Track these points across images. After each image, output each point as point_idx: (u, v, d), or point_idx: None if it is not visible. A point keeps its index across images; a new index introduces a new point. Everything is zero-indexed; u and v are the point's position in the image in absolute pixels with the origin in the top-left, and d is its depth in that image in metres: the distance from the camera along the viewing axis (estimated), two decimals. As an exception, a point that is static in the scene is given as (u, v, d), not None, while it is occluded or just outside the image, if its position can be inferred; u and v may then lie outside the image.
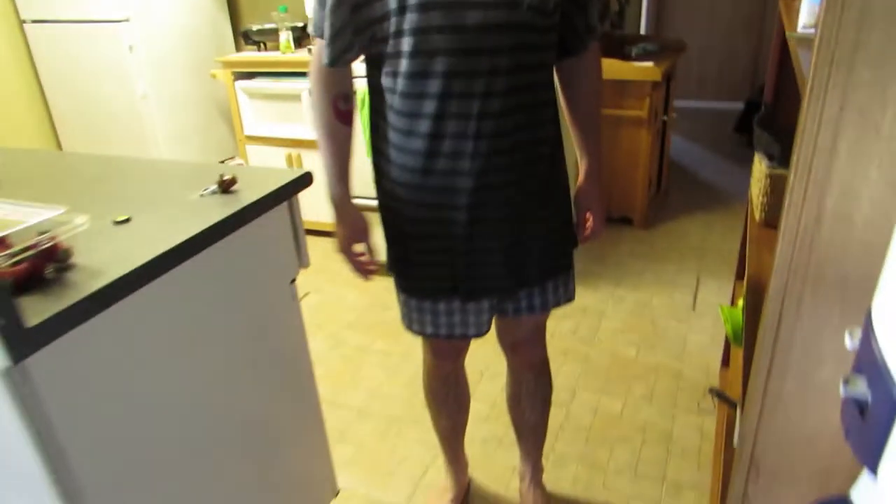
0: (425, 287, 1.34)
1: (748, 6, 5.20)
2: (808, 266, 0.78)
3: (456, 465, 1.80)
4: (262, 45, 3.30)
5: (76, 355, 0.92)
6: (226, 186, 1.23)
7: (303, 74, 3.07)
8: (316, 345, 2.55)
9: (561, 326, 2.57)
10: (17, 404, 0.85)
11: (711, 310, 2.67)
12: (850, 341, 0.69)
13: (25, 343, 0.82)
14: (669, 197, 3.84)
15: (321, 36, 1.20)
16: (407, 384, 2.31)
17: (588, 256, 3.14)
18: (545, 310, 1.41)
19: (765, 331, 0.83)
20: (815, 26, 1.10)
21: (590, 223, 1.41)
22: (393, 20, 1.13)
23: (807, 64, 0.90)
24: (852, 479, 0.90)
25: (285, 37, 3.14)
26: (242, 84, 3.19)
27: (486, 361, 2.36)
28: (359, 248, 1.37)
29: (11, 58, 3.27)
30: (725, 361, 2.19)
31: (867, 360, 0.62)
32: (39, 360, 0.86)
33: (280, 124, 3.20)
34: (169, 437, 1.12)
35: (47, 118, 3.46)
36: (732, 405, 1.62)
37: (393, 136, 1.23)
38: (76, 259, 0.99)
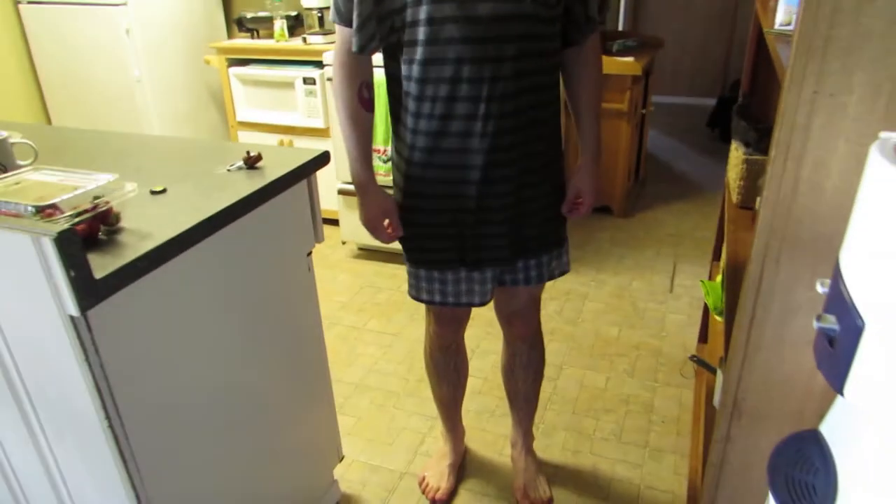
0: (434, 259, 1.45)
1: (721, 5, 5.38)
2: (785, 229, 0.90)
3: (454, 433, 1.91)
4: (255, 32, 3.36)
5: (125, 309, 1.00)
6: (252, 163, 1.32)
7: (296, 62, 3.15)
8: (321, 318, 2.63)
9: (547, 308, 2.69)
10: (79, 350, 0.94)
11: (688, 292, 2.82)
12: (822, 287, 0.81)
13: (93, 294, 0.90)
14: (647, 187, 3.99)
15: (346, 24, 1.29)
16: (401, 361, 2.41)
17: (571, 243, 3.25)
18: (541, 281, 1.53)
19: (748, 285, 0.96)
20: (791, 23, 1.23)
21: (580, 202, 1.49)
22: (409, 10, 1.23)
23: (785, 56, 1.03)
24: (820, 417, 1.04)
25: (279, 25, 3.20)
26: (236, 70, 3.25)
27: (476, 340, 2.47)
28: (386, 222, 1.43)
29: (4, 37, 3.28)
30: (703, 338, 2.34)
31: (836, 299, 0.75)
32: (98, 312, 0.95)
33: (272, 111, 3.27)
34: (198, 393, 1.21)
35: (38, 97, 3.48)
36: (712, 370, 1.76)
37: (409, 119, 1.33)
38: (123, 223, 1.07)
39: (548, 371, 2.29)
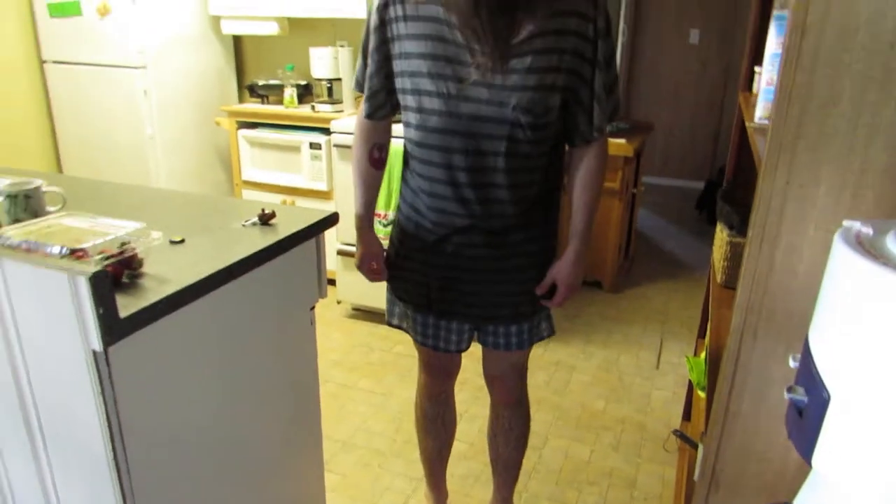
0: (408, 297, 1.58)
1: (709, 92, 5.67)
2: (761, 306, 0.98)
3: (437, 493, 1.92)
4: (265, 98, 3.52)
5: (142, 348, 1.06)
6: (266, 219, 1.40)
7: (303, 128, 3.29)
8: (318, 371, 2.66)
9: (535, 377, 2.74)
10: (96, 384, 0.99)
11: (674, 369, 2.87)
12: (793, 362, 0.89)
13: (116, 332, 0.96)
14: (636, 264, 4.10)
15: (361, 91, 1.46)
16: (390, 421, 2.43)
17: (561, 315, 3.34)
18: (520, 349, 1.59)
19: (727, 358, 1.03)
20: (768, 118, 1.35)
21: (556, 294, 1.51)
22: (406, 96, 1.39)
23: (762, 148, 1.13)
24: (794, 492, 1.09)
25: (290, 93, 3.36)
26: (245, 132, 3.38)
27: (465, 404, 2.50)
28: (373, 265, 1.61)
29: (28, 93, 3.44)
30: (686, 415, 2.38)
31: (805, 373, 0.82)
32: (117, 349, 1.00)
33: (277, 172, 3.39)
34: (197, 435, 1.24)
35: (53, 149, 3.60)
36: (694, 446, 1.80)
37: (408, 175, 1.49)
38: (145, 269, 1.14)
39: (533, 440, 2.32)
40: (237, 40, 3.85)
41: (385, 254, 1.62)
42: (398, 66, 1.37)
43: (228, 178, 3.86)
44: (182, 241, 1.29)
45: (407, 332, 1.64)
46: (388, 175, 2.83)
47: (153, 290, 1.07)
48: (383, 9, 1.36)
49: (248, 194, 3.50)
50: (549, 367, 2.85)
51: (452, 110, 1.31)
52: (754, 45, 1.90)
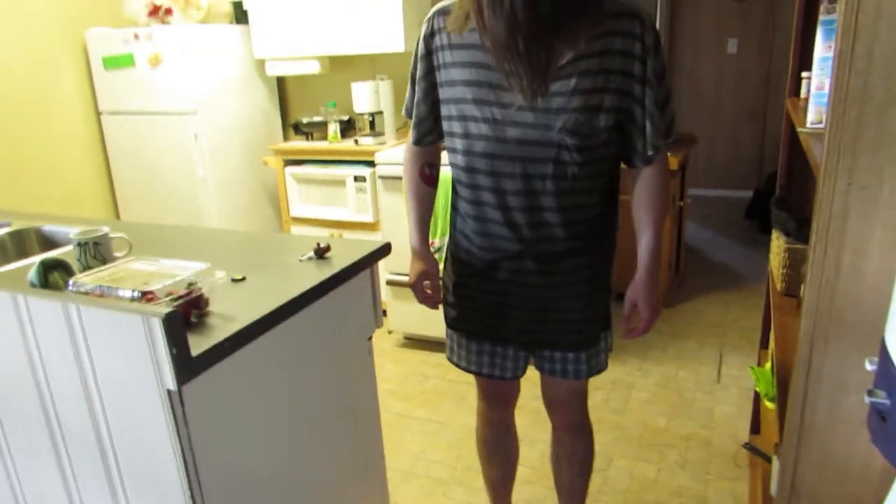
0: (463, 325, 1.56)
1: (750, 101, 5.57)
2: (830, 311, 0.96)
3: (504, 520, 1.90)
4: (309, 135, 3.61)
5: (212, 386, 1.09)
6: (321, 253, 1.44)
7: (348, 162, 3.36)
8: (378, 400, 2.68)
9: (594, 397, 2.69)
10: (171, 423, 1.02)
11: (736, 382, 2.79)
12: (870, 365, 0.86)
13: (189, 370, 1.00)
14: (687, 279, 4.02)
15: (409, 117, 1.50)
16: (448, 449, 2.43)
17: (614, 332, 3.29)
18: (577, 378, 1.56)
19: (798, 367, 1.00)
20: (822, 122, 1.32)
21: (638, 320, 1.51)
22: (451, 122, 1.41)
23: (818, 152, 1.12)
24: (881, 497, 1.05)
25: (333, 128, 3.44)
26: (291, 170, 3.47)
27: (524, 428, 2.47)
28: (427, 284, 1.62)
29: (86, 143, 3.63)
30: (755, 429, 2.31)
31: (885, 375, 0.80)
32: (190, 387, 1.03)
33: (324, 206, 3.46)
34: (266, 469, 1.27)
35: (110, 195, 3.77)
36: (767, 459, 1.74)
37: (457, 201, 1.50)
38: (210, 308, 1.18)
39: (597, 461, 2.27)
40: (280, 81, 3.98)
41: (440, 282, 1.63)
42: (444, 93, 1.40)
43: (277, 215, 3.95)
44: (243, 278, 1.33)
45: (462, 366, 1.61)
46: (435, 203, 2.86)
47: (220, 329, 1.11)
48: (430, 38, 1.39)
49: (297, 229, 3.58)
50: (606, 386, 2.80)
51: (499, 135, 1.33)
52: (799, 50, 1.87)
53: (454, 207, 1.53)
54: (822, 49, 1.31)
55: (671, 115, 1.36)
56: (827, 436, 1.01)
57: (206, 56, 3.39)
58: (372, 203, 3.29)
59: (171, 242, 1.66)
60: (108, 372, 1.07)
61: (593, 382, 2.74)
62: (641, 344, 3.18)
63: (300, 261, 1.44)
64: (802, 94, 1.76)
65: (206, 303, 1.16)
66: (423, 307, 1.67)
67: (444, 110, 1.42)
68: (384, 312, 3.27)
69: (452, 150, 1.45)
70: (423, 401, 2.77)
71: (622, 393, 2.75)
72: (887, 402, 0.78)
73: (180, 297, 1.11)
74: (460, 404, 2.70)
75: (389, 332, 3.34)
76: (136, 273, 1.19)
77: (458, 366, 1.61)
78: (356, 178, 3.29)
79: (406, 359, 3.14)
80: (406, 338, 3.33)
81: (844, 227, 0.92)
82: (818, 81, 1.31)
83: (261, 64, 3.65)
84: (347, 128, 3.55)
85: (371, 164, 3.22)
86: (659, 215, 1.45)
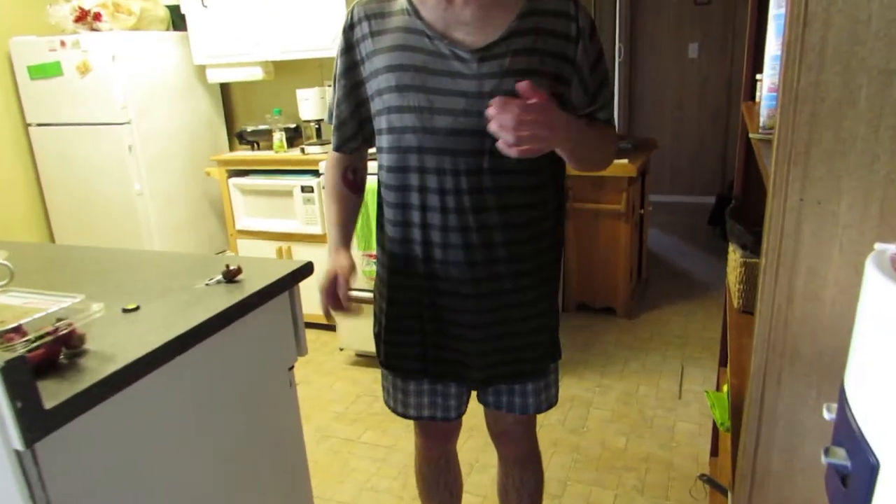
0: (399, 364, 1.40)
1: (712, 106, 5.55)
2: (784, 344, 0.84)
3: (449, 558, 1.76)
4: (255, 144, 3.45)
5: (81, 440, 0.93)
6: (231, 276, 1.29)
7: (295, 172, 3.21)
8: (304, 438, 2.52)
9: (549, 417, 2.57)
10: (23, 488, 0.86)
11: (697, 398, 2.70)
12: (828, 413, 0.74)
13: (40, 426, 0.84)
14: (650, 287, 3.94)
15: (331, 122, 1.36)
16: (396, 476, 2.28)
17: (573, 345, 3.18)
18: (524, 413, 1.42)
19: (749, 409, 0.88)
20: (773, 127, 1.22)
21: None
22: (377, 118, 1.27)
23: (769, 160, 1.00)
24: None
25: (279, 137, 3.29)
26: (236, 181, 3.30)
27: (475, 453, 2.34)
28: (339, 281, 1.32)
29: (14, 158, 3.40)
30: (714, 451, 2.20)
31: (844, 431, 0.67)
32: (47, 444, 0.87)
33: (271, 219, 3.30)
34: (166, 527, 1.11)
35: (42, 212, 3.54)
36: (724, 492, 1.63)
37: (385, 223, 1.34)
38: (88, 345, 1.02)
39: (551, 487, 2.15)
40: (224, 87, 3.80)
41: (374, 320, 1.45)
42: (370, 87, 1.25)
43: (223, 229, 3.77)
44: (136, 308, 1.18)
45: (399, 412, 1.45)
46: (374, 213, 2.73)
47: (94, 370, 0.95)
48: (349, 31, 1.26)
49: (244, 244, 3.40)
50: (563, 403, 2.68)
51: (427, 125, 1.18)
52: (753, 52, 1.78)
53: (380, 225, 1.38)
54: (774, 46, 1.21)
55: (607, 97, 1.25)
56: (784, 485, 0.89)
57: (140, 63, 3.21)
58: (320, 214, 3.14)
59: (73, 269, 1.49)
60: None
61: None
62: (602, 357, 3.08)
63: (206, 285, 1.28)
64: (757, 98, 1.67)
65: (82, 339, 1.00)
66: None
67: (372, 107, 1.27)
68: (333, 328, 3.12)
69: (378, 151, 1.30)
70: (372, 423, 2.61)
71: (580, 411, 2.63)
72: (848, 463, 0.65)
73: (47, 334, 0.95)
74: (410, 426, 2.53)
75: (341, 350, 3.18)
76: (2, 308, 1.03)
77: (395, 411, 1.46)
78: (303, 189, 3.13)
79: (357, 378, 2.98)
80: (358, 355, 3.17)
81: (797, 247, 0.80)
82: (770, 82, 1.21)
83: (201, 70, 3.48)
84: (294, 136, 3.40)
85: (318, 173, 3.07)
86: (600, 148, 1.27)
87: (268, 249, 3.32)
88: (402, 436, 2.51)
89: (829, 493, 0.70)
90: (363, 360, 3.14)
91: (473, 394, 1.48)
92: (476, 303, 1.29)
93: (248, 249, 3.38)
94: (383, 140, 1.27)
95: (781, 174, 0.78)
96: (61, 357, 0.97)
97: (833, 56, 0.73)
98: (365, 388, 2.88)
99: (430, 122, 1.18)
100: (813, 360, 0.83)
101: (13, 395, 0.80)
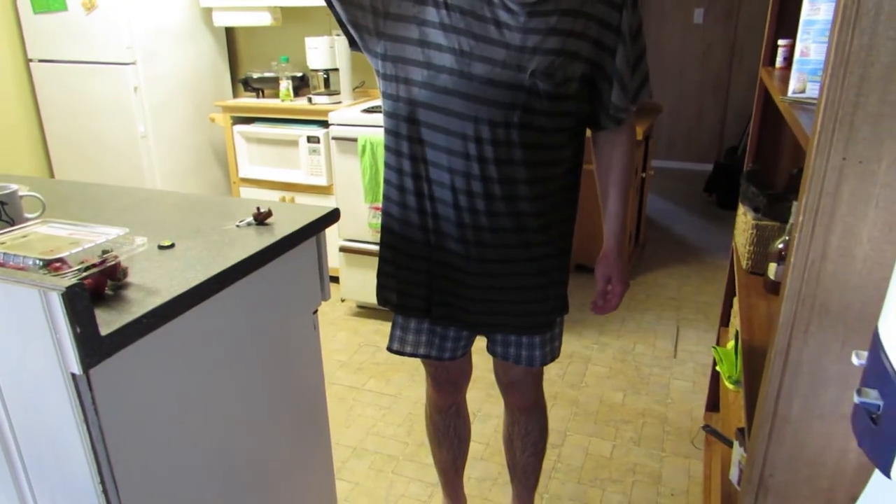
0: (404, 302, 1.43)
1: (714, 73, 5.53)
2: (814, 297, 0.88)
3: (454, 500, 1.83)
4: (260, 92, 3.41)
5: (129, 368, 0.96)
6: (262, 219, 1.30)
7: (301, 121, 3.18)
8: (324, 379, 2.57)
9: (549, 371, 2.64)
10: (78, 411, 0.89)
11: (692, 357, 2.77)
12: (858, 360, 0.78)
13: (97, 352, 0.86)
14: (646, 251, 4.00)
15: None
16: (401, 423, 2.34)
17: (572, 304, 3.23)
18: (530, 365, 1.46)
19: (774, 356, 0.93)
20: (805, 91, 1.24)
21: (613, 295, 1.42)
22: (410, 48, 1.21)
23: (805, 122, 1.03)
24: (853, 497, 0.99)
25: (285, 85, 3.25)
26: (240, 128, 3.28)
27: (478, 403, 2.41)
28: None
29: (14, 93, 3.34)
30: (711, 406, 2.28)
31: (877, 372, 0.72)
32: (101, 370, 0.90)
33: (275, 168, 3.29)
34: (198, 457, 1.15)
35: (43, 152, 3.50)
36: (728, 443, 1.71)
37: (398, 160, 1.33)
38: (130, 279, 1.04)
39: (552, 438, 2.23)
40: (230, 32, 3.74)
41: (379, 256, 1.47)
42: (406, 7, 1.19)
43: (226, 177, 3.76)
44: (172, 245, 1.19)
45: (394, 349, 1.49)
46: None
47: (140, 303, 0.97)
48: None
49: (246, 192, 3.40)
50: (563, 359, 2.75)
51: (464, 69, 1.18)
52: (776, 18, 1.78)
53: (388, 168, 1.36)
54: (808, 11, 1.22)
55: (643, 75, 1.26)
56: (801, 429, 0.94)
57: (147, 1, 3.14)
58: (326, 166, 3.14)
59: (96, 204, 1.50)
60: (6, 353, 0.93)
61: (550, 356, 2.70)
62: (599, 317, 3.14)
63: (238, 227, 1.30)
64: (778, 63, 1.68)
65: (125, 273, 1.02)
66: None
67: (400, 28, 1.20)
68: (336, 280, 3.15)
69: (403, 82, 1.23)
70: (375, 372, 2.67)
71: (579, 367, 2.71)
72: (880, 402, 0.70)
73: (93, 266, 0.97)
74: (414, 377, 2.61)
75: (342, 301, 3.22)
76: (45, 238, 1.04)
77: (390, 349, 1.49)
78: (309, 139, 3.12)
79: (359, 328, 3.03)
80: (359, 306, 3.22)
81: (835, 205, 0.83)
82: (803, 47, 1.22)
83: (207, 13, 3.41)
84: (301, 85, 3.37)
85: (325, 124, 3.06)
86: (626, 183, 1.36)
87: (271, 198, 3.32)
88: (406, 385, 2.57)
89: (858, 432, 0.75)
90: (364, 311, 3.18)
91: (477, 345, 1.52)
92: (491, 252, 1.31)
93: (251, 198, 3.38)
94: (411, 72, 1.22)
95: (826, 135, 0.81)
96: (107, 289, 1.00)
97: (887, 20, 0.75)
98: (367, 339, 2.93)
99: (468, 68, 1.18)
100: (840, 313, 0.87)
101: (74, 321, 0.82)
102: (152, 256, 1.15)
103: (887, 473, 0.71)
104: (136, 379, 0.99)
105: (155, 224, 1.34)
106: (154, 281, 1.05)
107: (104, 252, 0.99)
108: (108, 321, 0.91)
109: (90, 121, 3.29)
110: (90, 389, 0.89)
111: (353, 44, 1.31)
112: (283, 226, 1.31)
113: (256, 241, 1.23)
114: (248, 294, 1.22)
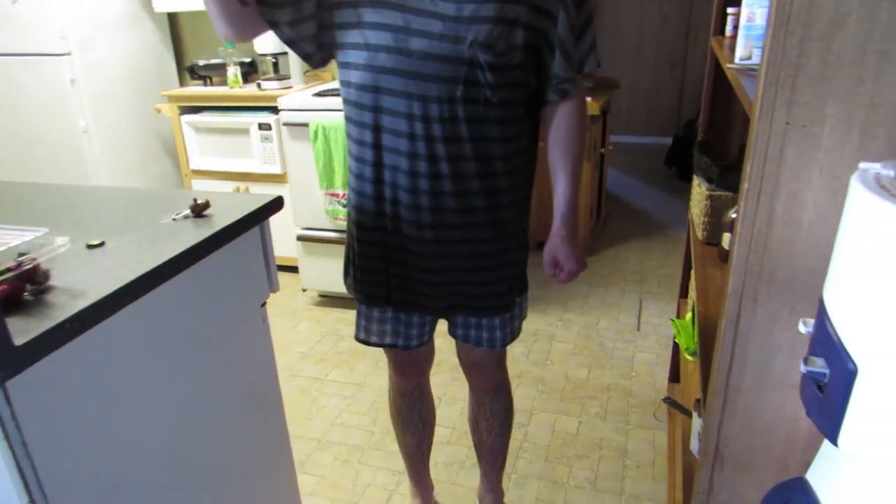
0: (365, 291, 1.41)
1: (671, 47, 5.55)
2: (761, 266, 0.86)
3: (421, 486, 1.81)
4: (208, 79, 3.30)
5: (54, 378, 0.90)
6: (199, 210, 1.24)
7: (251, 108, 3.09)
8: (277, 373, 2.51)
9: (514, 350, 2.63)
10: (-2, 427, 0.84)
11: (655, 330, 2.79)
12: (805, 328, 0.77)
13: (11, 364, 0.81)
14: (608, 225, 4.00)
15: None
16: (365, 412, 2.31)
17: (535, 282, 3.22)
18: (492, 347, 1.44)
19: (725, 327, 0.91)
20: (752, 57, 1.22)
21: (563, 268, 1.39)
22: (349, 33, 1.19)
23: (750, 88, 1.01)
24: (806, 464, 0.99)
25: (233, 71, 3.15)
26: (188, 118, 3.17)
27: (443, 387, 2.38)
28: None
29: (-59, 91, 3.16)
30: (673, 377, 2.30)
31: (823, 340, 0.70)
32: (19, 382, 0.84)
33: (227, 158, 3.19)
34: (142, 466, 1.10)
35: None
36: (687, 413, 1.71)
37: (352, 143, 1.30)
38: (53, 282, 0.98)
39: (518, 416, 2.21)
40: (172, 18, 3.60)
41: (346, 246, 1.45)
42: None
43: (177, 169, 3.64)
44: (101, 244, 1.13)
45: (360, 338, 1.48)
46: (337, 151, 2.67)
47: (62, 307, 0.91)
48: None
49: (199, 184, 3.30)
50: (527, 338, 2.74)
51: (402, 46, 1.14)
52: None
53: (349, 156, 1.34)
54: (752, -24, 1.20)
55: (590, 44, 1.22)
56: (754, 400, 0.93)
57: (78, -12, 2.99)
58: (279, 153, 3.05)
59: (19, 204, 1.42)
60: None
61: (515, 336, 2.69)
62: (563, 293, 3.14)
63: (174, 220, 1.24)
64: (727, 32, 1.67)
65: (46, 276, 0.96)
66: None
67: (337, 17, 1.19)
68: (296, 269, 3.09)
69: (343, 67, 1.23)
70: (338, 361, 2.62)
71: (543, 345, 2.70)
72: (825, 371, 0.69)
73: (8, 270, 0.90)
74: (378, 364, 2.57)
75: (303, 291, 3.16)
76: (-43, 242, 0.97)
77: (357, 339, 1.48)
78: (261, 126, 3.03)
79: (321, 318, 2.98)
80: (321, 296, 3.16)
81: (780, 171, 0.81)
82: (749, 12, 1.20)
83: (147, -1, 3.28)
84: (250, 71, 3.27)
85: (276, 110, 2.97)
86: (576, 160, 1.32)
87: (225, 190, 3.23)
88: (370, 373, 2.54)
89: (806, 401, 0.74)
90: (326, 300, 3.13)
91: (440, 329, 1.50)
92: (443, 233, 1.28)
93: (203, 190, 3.28)
94: (352, 56, 1.20)
95: (769, 98, 0.79)
96: (26, 294, 0.93)
97: (825, -24, 0.73)
98: (329, 328, 2.88)
99: (406, 44, 1.14)
100: (788, 280, 0.86)
101: (-18, 331, 0.76)
102: (80, 256, 1.08)
103: (835, 442, 0.69)
104: (63, 387, 0.93)
105: (86, 222, 1.27)
106: (80, 282, 0.98)
107: (20, 255, 0.93)
108: (25, 329, 0.85)
109: (26, 118, 3.14)
110: (8, 403, 0.83)
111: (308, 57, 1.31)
112: (223, 217, 1.25)
113: (193, 235, 1.17)
114: (187, 290, 1.16)
